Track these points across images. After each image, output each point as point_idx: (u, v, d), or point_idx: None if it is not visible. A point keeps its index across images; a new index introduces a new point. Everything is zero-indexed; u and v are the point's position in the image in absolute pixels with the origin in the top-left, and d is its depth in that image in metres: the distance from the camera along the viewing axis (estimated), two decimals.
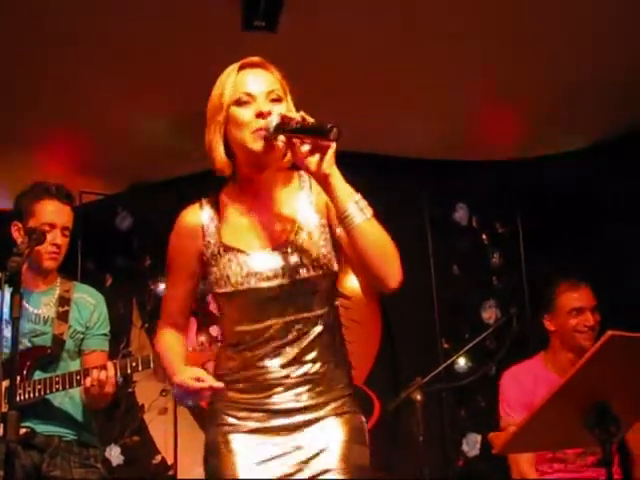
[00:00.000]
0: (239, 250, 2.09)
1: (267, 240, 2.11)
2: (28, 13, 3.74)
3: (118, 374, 2.95)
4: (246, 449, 2.08)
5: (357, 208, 1.95)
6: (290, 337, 2.08)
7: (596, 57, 4.17)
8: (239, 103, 2.06)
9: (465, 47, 4.12)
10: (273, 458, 2.07)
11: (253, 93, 2.07)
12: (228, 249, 2.10)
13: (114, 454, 5.07)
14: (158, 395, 5.10)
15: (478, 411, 5.10)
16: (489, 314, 5.31)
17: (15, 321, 2.31)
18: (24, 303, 3.04)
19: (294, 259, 2.07)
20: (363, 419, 2.18)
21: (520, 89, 4.52)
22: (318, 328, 2.10)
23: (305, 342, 2.09)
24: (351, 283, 4.13)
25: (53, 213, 3.10)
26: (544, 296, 3.67)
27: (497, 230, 5.46)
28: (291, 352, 2.08)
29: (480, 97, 4.59)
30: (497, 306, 5.31)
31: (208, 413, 2.18)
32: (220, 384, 2.00)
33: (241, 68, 2.12)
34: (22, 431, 2.82)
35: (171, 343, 2.23)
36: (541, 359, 3.59)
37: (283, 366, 2.08)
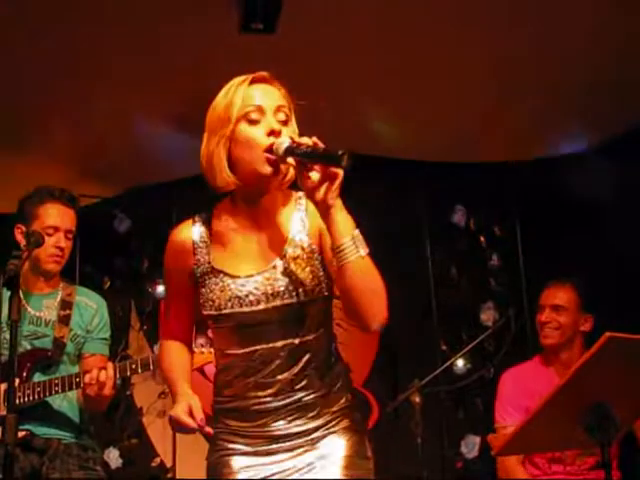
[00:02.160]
0: (225, 273, 2.06)
1: (255, 264, 2.07)
2: (31, 16, 3.74)
3: (117, 377, 2.95)
4: (247, 467, 2.08)
5: (353, 244, 1.89)
6: (278, 363, 2.05)
7: (594, 57, 4.18)
8: (249, 120, 2.00)
9: (464, 49, 4.13)
10: (274, 474, 2.06)
11: (263, 106, 2.01)
12: (215, 271, 2.07)
13: (113, 457, 5.06)
14: (156, 397, 5.10)
15: (477, 413, 5.10)
16: (487, 316, 5.31)
17: (14, 324, 2.31)
18: (25, 305, 3.05)
19: (279, 284, 2.04)
20: (364, 428, 2.17)
21: (518, 91, 4.52)
22: (308, 354, 2.07)
23: (295, 369, 2.06)
24: None
25: (57, 216, 3.11)
26: None
27: (495, 232, 5.46)
28: (281, 381, 2.05)
29: (478, 99, 4.60)
30: (495, 308, 5.31)
31: (211, 436, 2.17)
32: (208, 429, 2.03)
33: (250, 82, 2.05)
34: (21, 434, 2.82)
35: (174, 358, 2.21)
36: (541, 359, 3.61)
37: (274, 395, 2.06)
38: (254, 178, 2.02)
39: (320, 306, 2.08)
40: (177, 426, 2.04)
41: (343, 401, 2.12)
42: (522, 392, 3.45)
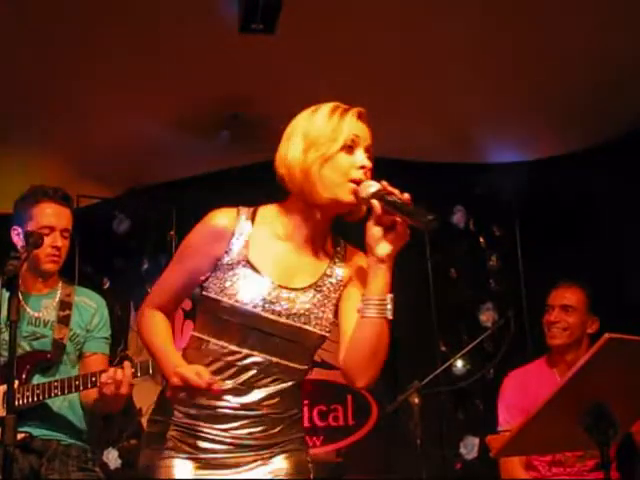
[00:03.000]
0: (259, 272, 2.06)
1: (287, 277, 2.09)
2: (31, 16, 3.74)
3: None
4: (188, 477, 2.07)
5: (387, 305, 2.03)
6: (260, 377, 2.07)
7: (594, 57, 4.18)
8: (347, 147, 2.07)
9: (465, 51, 4.13)
10: None
11: (361, 140, 2.09)
12: (249, 265, 2.06)
13: (112, 457, 5.06)
14: (156, 398, 5.09)
15: (476, 414, 5.11)
16: (487, 317, 5.31)
17: (13, 324, 2.30)
18: (24, 306, 3.04)
19: (303, 308, 2.08)
20: (309, 458, 2.21)
21: (518, 92, 4.52)
22: (291, 381, 2.11)
23: (274, 389, 2.08)
24: None
25: (52, 216, 3.09)
26: None
27: (494, 233, 5.47)
28: (257, 394, 2.07)
29: (479, 100, 4.60)
30: (494, 309, 5.31)
31: (147, 435, 2.17)
32: (219, 386, 1.99)
33: (351, 113, 2.12)
34: (20, 435, 2.80)
35: (162, 329, 2.16)
36: (545, 361, 3.60)
37: (245, 405, 2.07)
38: (330, 200, 2.07)
39: (319, 343, 2.14)
40: (183, 386, 1.96)
41: (297, 430, 2.18)
42: (525, 394, 3.43)
